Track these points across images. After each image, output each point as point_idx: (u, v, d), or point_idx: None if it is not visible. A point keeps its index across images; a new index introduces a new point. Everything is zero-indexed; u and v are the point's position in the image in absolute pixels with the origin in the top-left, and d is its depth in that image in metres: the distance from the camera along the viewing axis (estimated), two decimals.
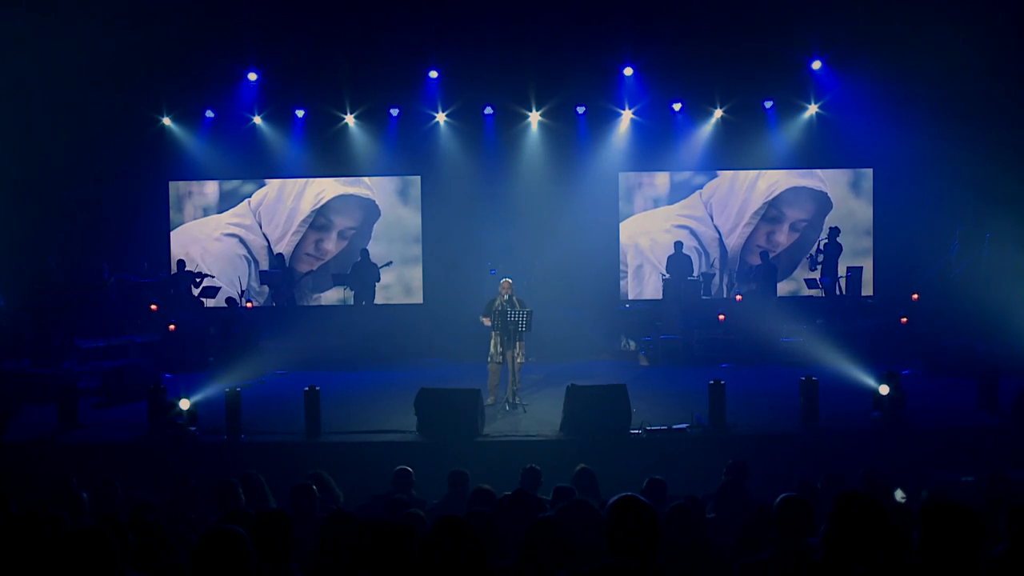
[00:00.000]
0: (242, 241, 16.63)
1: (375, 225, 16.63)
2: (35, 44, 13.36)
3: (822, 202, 16.37)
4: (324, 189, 16.58)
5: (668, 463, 8.00)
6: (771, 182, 16.39)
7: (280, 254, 16.14)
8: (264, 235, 16.60)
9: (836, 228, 15.05)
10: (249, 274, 16.56)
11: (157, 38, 13.92)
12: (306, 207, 16.59)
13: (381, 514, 5.81)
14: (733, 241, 16.48)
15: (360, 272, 15.38)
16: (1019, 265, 13.39)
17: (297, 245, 16.56)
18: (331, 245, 16.64)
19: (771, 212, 16.42)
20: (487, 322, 10.49)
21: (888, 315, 13.99)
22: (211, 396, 10.06)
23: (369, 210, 16.64)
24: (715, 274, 16.31)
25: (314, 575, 4.24)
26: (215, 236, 16.62)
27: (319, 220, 16.60)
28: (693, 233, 16.48)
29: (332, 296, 16.37)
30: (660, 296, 15.72)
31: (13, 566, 3.46)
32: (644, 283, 16.54)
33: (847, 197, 16.39)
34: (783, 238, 16.44)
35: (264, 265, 16.50)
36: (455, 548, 3.09)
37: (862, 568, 3.17)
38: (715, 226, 16.49)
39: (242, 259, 16.63)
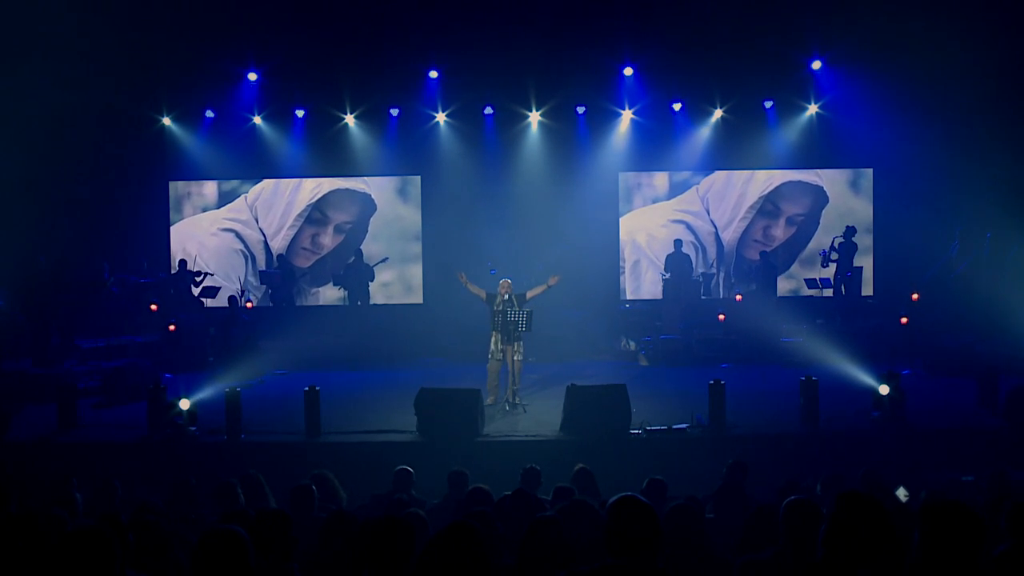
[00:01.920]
0: (239, 236, 16.66)
1: (372, 220, 16.64)
2: (35, 44, 13.35)
3: (818, 196, 16.42)
4: (320, 184, 16.62)
5: (668, 463, 7.99)
6: (767, 176, 16.44)
7: (283, 255, 16.13)
8: (260, 230, 16.63)
9: (852, 228, 15.00)
10: (246, 269, 16.60)
11: (157, 38, 13.92)
12: (302, 201, 16.62)
13: (381, 514, 5.81)
14: (729, 235, 16.51)
15: (353, 273, 15.39)
16: (1019, 265, 13.39)
17: (293, 239, 16.60)
18: (327, 240, 16.67)
19: (767, 206, 16.47)
20: (471, 286, 10.58)
21: (888, 315, 13.99)
22: (211, 396, 10.06)
23: (365, 205, 16.66)
24: (715, 274, 16.31)
25: (314, 575, 4.24)
26: (211, 231, 16.65)
27: (315, 215, 16.63)
28: (690, 228, 16.52)
29: (331, 295, 16.39)
30: (657, 292, 15.79)
31: (13, 566, 3.45)
32: (641, 279, 16.58)
33: (846, 195, 16.42)
34: (779, 232, 16.48)
35: (261, 260, 16.56)
36: (461, 554, 3.10)
37: (863, 568, 3.16)
38: (711, 220, 16.52)
39: (239, 254, 16.66)
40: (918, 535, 3.16)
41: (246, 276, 16.50)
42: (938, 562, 3.09)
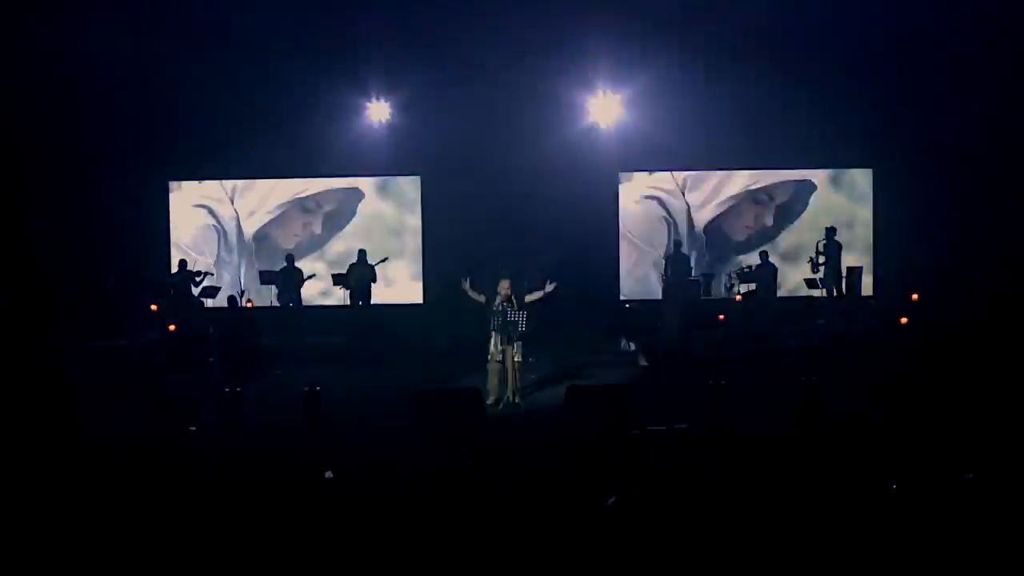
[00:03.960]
0: (211, 212, 16.82)
1: (366, 217, 16.76)
2: (35, 43, 13.37)
3: (805, 185, 16.62)
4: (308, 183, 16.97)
5: (668, 463, 7.99)
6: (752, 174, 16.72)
7: (290, 254, 16.05)
8: (235, 208, 16.81)
9: (832, 228, 15.03)
10: (219, 243, 16.77)
11: (158, 37, 13.94)
12: (285, 190, 16.89)
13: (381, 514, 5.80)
14: (704, 216, 16.65)
15: (356, 272, 15.38)
16: (1019, 265, 13.41)
17: (280, 225, 16.84)
18: (317, 227, 16.94)
19: (760, 197, 16.69)
20: (469, 291, 10.59)
21: (888, 315, 13.99)
22: (211, 396, 10.06)
23: (351, 192, 16.92)
24: (714, 274, 16.29)
25: None
26: (183, 207, 16.87)
27: (308, 204, 16.93)
28: (662, 204, 16.78)
29: (313, 289, 16.43)
30: (645, 282, 16.19)
31: None
32: None
33: (839, 194, 16.54)
34: (770, 220, 16.77)
35: (233, 235, 16.73)
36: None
37: None
38: (686, 200, 16.65)
39: (211, 228, 16.82)
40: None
41: (219, 251, 16.72)
42: None
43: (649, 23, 14.69)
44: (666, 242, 16.56)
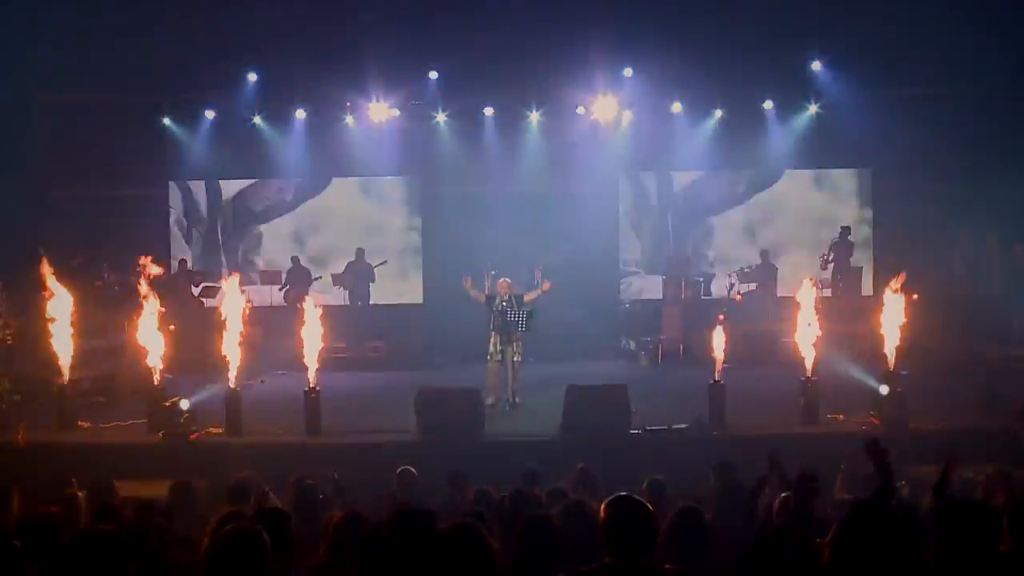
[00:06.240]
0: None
1: (363, 221, 16.79)
2: (35, 43, 13.36)
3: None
4: None
5: (668, 463, 7.99)
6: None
7: (295, 256, 15.99)
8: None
9: (847, 227, 15.01)
10: (181, 197, 16.77)
11: (157, 37, 13.93)
12: None
13: (382, 514, 5.80)
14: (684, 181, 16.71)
15: (355, 271, 15.36)
16: (1019, 265, 13.39)
17: (256, 187, 16.90)
18: (289, 196, 16.93)
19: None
20: (471, 289, 10.64)
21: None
22: (211, 396, 10.06)
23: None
24: (715, 273, 16.26)
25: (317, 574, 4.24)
26: None
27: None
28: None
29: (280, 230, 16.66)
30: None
31: (14, 570, 3.46)
32: None
33: (839, 195, 16.55)
34: (741, 187, 16.87)
35: (201, 191, 16.74)
36: (464, 554, 3.10)
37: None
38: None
39: (173, 186, 16.79)
40: (935, 534, 3.16)
41: (183, 210, 16.68)
42: (955, 562, 3.07)
43: (649, 22, 14.68)
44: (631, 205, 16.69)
